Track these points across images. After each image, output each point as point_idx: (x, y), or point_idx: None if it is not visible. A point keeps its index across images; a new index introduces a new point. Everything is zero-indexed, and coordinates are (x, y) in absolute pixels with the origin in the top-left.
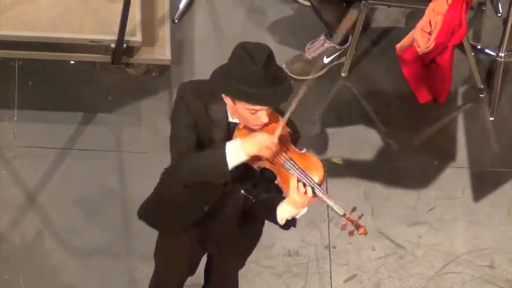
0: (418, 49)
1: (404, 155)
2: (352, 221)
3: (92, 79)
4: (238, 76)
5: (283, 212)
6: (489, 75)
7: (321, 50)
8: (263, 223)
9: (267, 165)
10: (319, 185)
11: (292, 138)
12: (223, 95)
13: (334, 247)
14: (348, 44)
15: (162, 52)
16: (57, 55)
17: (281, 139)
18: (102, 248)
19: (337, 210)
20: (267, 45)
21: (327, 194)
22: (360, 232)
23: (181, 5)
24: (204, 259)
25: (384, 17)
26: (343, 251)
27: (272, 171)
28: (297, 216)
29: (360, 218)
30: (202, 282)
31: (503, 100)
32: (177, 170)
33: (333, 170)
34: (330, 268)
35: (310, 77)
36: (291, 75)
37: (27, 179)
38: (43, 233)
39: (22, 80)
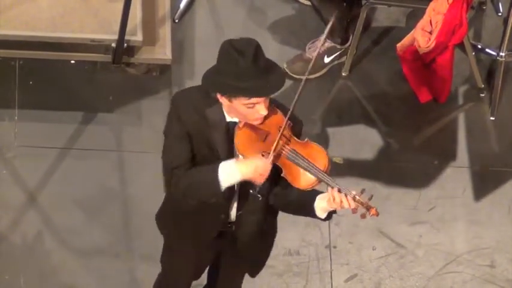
0: (418, 48)
1: (404, 155)
2: (362, 203)
3: (93, 79)
4: (230, 72)
5: (321, 207)
6: (490, 75)
7: (322, 49)
8: (275, 232)
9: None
10: (325, 172)
11: (294, 130)
12: (218, 95)
13: (334, 247)
14: (348, 43)
15: (163, 52)
16: (57, 55)
17: (283, 132)
18: (102, 247)
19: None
20: (253, 39)
21: (334, 180)
22: (371, 213)
23: (182, 5)
24: None
25: (385, 16)
26: (343, 250)
27: (277, 165)
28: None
29: (369, 199)
30: (202, 282)
31: (504, 100)
32: (172, 187)
33: (333, 170)
34: (331, 268)
35: (312, 76)
36: (292, 74)
37: (27, 178)
38: (43, 233)
39: (23, 80)
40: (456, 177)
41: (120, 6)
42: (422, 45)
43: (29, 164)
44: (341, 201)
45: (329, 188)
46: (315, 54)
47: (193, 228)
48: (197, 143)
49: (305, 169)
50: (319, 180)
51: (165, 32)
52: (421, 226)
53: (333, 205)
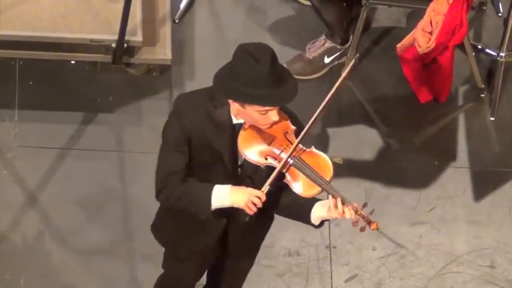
0: (418, 49)
1: (405, 155)
2: (363, 217)
3: (93, 79)
4: (245, 79)
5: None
6: (490, 75)
7: (322, 50)
8: (271, 220)
9: (276, 164)
10: (329, 182)
11: (297, 134)
12: (230, 101)
13: (334, 247)
14: (348, 44)
15: (163, 52)
16: (58, 55)
17: (288, 138)
18: (103, 247)
19: (350, 206)
20: (268, 45)
21: (338, 192)
22: (372, 228)
23: (182, 5)
24: None
25: (385, 16)
26: (343, 250)
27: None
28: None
29: (371, 213)
30: (202, 282)
31: (504, 100)
32: (163, 194)
33: (333, 170)
34: (331, 268)
35: (312, 76)
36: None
37: (27, 179)
38: (44, 233)
39: (23, 80)
40: (456, 177)
41: (120, 6)
42: (422, 45)
43: (29, 164)
44: (343, 211)
45: (330, 197)
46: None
47: (194, 234)
48: (199, 147)
49: (310, 178)
50: (323, 190)
51: (165, 32)
52: (421, 226)
53: (333, 214)
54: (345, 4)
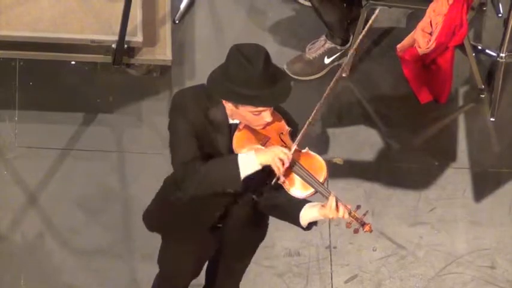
0: (418, 49)
1: (405, 156)
2: (357, 219)
3: (93, 79)
4: (238, 80)
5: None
6: (490, 76)
7: (322, 50)
8: (266, 226)
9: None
10: (323, 183)
11: (292, 135)
12: (224, 101)
13: (335, 247)
14: (348, 44)
15: (163, 52)
16: (58, 55)
17: (283, 138)
18: (103, 248)
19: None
20: (261, 45)
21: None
22: (365, 230)
23: (182, 6)
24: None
25: (385, 17)
26: (344, 251)
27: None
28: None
29: (364, 215)
30: (203, 282)
31: (504, 100)
32: (185, 182)
33: (333, 171)
34: (331, 268)
35: (312, 77)
36: (292, 75)
37: (28, 179)
38: (44, 233)
39: (23, 80)
40: (456, 178)
41: (120, 7)
42: (422, 46)
43: (29, 165)
44: (337, 210)
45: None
46: None
47: (191, 217)
48: (200, 142)
49: (304, 180)
50: (317, 192)
51: (166, 32)
52: (421, 227)
53: (326, 212)
54: (345, 5)
